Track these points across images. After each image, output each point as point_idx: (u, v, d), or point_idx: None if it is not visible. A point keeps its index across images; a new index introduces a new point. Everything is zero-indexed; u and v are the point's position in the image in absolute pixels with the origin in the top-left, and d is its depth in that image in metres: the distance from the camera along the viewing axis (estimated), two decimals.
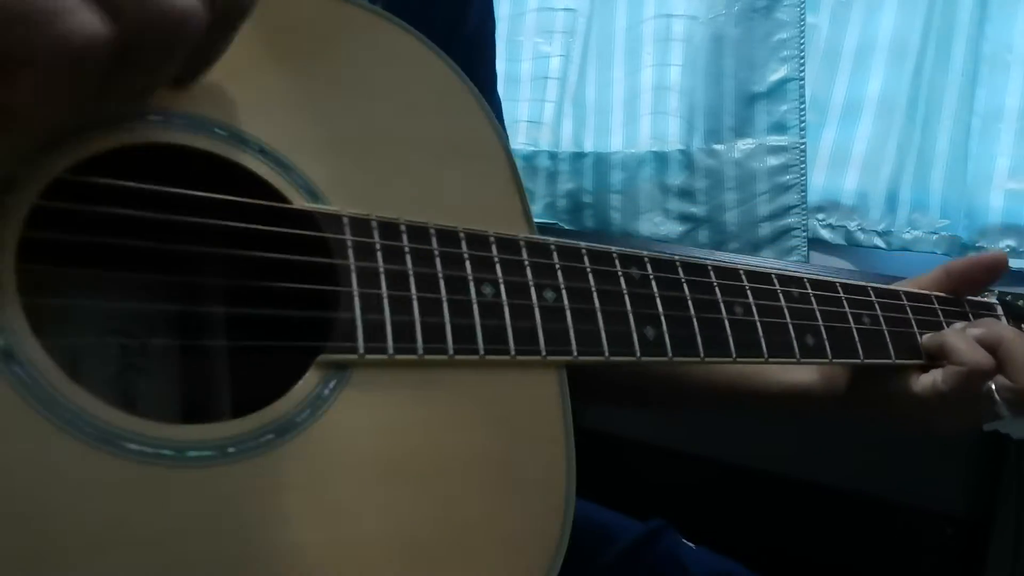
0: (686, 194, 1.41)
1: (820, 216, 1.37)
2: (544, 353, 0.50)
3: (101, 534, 0.36)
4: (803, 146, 1.34)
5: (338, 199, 0.47)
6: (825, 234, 1.37)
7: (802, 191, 1.34)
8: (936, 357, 0.67)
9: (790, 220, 1.36)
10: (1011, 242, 1.23)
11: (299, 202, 0.46)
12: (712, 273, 0.59)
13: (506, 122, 1.55)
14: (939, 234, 1.27)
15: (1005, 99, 1.25)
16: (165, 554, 0.37)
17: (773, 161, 1.35)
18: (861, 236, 1.34)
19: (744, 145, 1.37)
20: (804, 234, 1.36)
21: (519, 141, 1.50)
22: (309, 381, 0.43)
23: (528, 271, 0.51)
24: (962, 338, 0.66)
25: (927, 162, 1.29)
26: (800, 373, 0.73)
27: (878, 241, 1.32)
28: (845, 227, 1.35)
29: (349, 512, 0.42)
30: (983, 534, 1.31)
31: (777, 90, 1.35)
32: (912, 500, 1.36)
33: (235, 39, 0.41)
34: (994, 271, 0.73)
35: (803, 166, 1.34)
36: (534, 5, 1.50)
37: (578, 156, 1.47)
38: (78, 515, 0.36)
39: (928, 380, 0.67)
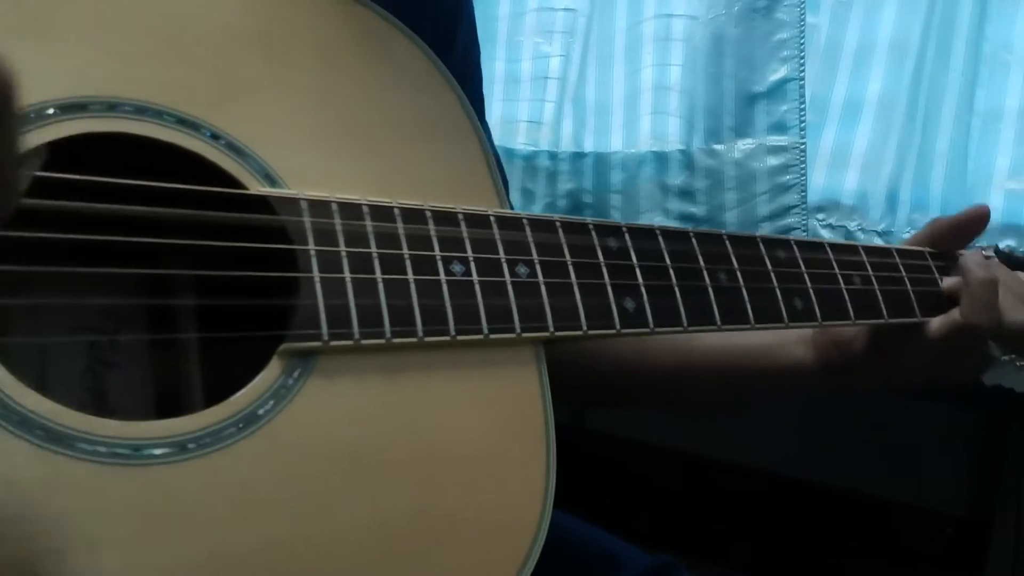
0: (686, 194, 1.40)
1: (820, 216, 1.36)
2: (519, 330, 0.49)
3: (55, 537, 0.35)
4: (803, 146, 1.33)
5: (298, 183, 0.46)
6: (825, 234, 1.36)
7: (802, 191, 1.34)
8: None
9: (790, 220, 1.35)
10: (1011, 242, 1.22)
11: (255, 187, 0.44)
12: (694, 240, 0.57)
13: (506, 122, 1.54)
14: None
15: (1005, 99, 1.24)
16: (123, 557, 0.36)
17: (773, 161, 1.35)
18: (861, 236, 1.33)
19: (744, 145, 1.36)
20: (804, 234, 1.34)
21: (519, 141, 1.49)
22: (271, 371, 0.42)
23: (499, 247, 0.50)
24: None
25: (927, 162, 1.28)
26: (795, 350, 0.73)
27: (878, 241, 1.31)
28: (845, 227, 1.34)
29: (319, 505, 0.41)
30: (983, 534, 1.30)
31: (777, 90, 1.34)
32: (912, 499, 1.36)
33: None
34: (979, 224, 0.74)
35: (803, 166, 1.34)
36: (534, 5, 1.49)
37: (578, 156, 1.46)
38: (32, 518, 0.34)
39: (934, 326, 0.68)
